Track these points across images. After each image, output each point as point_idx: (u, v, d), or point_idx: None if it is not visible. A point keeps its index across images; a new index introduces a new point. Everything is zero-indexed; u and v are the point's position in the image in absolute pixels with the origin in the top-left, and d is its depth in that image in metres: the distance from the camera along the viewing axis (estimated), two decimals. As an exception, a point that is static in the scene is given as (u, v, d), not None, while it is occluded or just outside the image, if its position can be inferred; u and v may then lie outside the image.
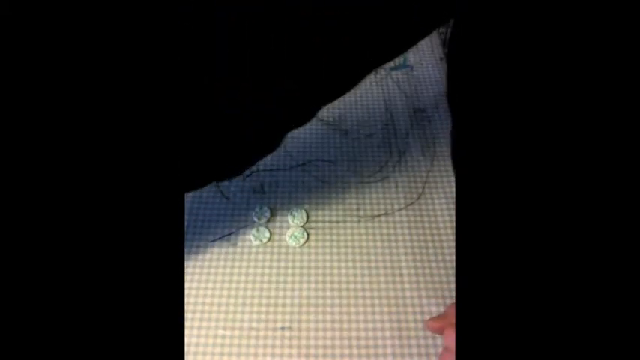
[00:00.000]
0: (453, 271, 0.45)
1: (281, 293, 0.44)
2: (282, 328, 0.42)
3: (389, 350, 0.40)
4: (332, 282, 0.45)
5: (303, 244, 0.48)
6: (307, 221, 0.49)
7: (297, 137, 0.57)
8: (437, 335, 0.41)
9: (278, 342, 0.41)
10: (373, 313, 0.43)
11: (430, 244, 0.47)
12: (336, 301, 0.43)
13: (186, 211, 0.50)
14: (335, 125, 0.59)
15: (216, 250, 0.47)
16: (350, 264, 0.46)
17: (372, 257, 0.46)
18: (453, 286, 0.44)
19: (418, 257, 0.46)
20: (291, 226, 0.49)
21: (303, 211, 0.50)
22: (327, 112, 0.60)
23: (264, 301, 0.43)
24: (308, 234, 0.48)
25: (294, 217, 0.50)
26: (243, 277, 0.45)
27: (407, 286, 0.44)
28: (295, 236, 0.48)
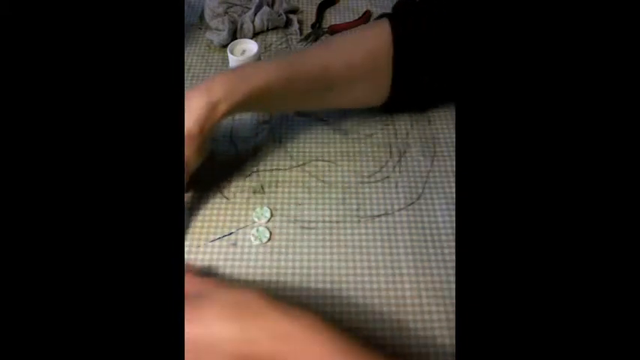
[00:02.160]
0: (453, 271, 0.45)
1: (281, 293, 0.44)
2: (282, 328, 0.42)
3: (389, 350, 0.40)
4: (332, 282, 0.45)
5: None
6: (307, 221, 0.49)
7: (297, 137, 0.57)
8: (437, 335, 0.41)
9: (278, 342, 0.41)
10: (373, 313, 0.43)
11: (430, 244, 0.47)
12: (336, 300, 0.43)
13: (186, 211, 0.50)
14: (335, 125, 0.59)
15: (216, 250, 0.47)
16: (350, 264, 0.46)
17: (372, 257, 0.46)
18: (453, 286, 0.44)
19: (418, 257, 0.46)
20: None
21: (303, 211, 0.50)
22: (327, 112, 0.60)
23: (264, 301, 0.43)
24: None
25: (294, 217, 0.50)
26: (243, 277, 0.45)
27: (407, 286, 0.44)
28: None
